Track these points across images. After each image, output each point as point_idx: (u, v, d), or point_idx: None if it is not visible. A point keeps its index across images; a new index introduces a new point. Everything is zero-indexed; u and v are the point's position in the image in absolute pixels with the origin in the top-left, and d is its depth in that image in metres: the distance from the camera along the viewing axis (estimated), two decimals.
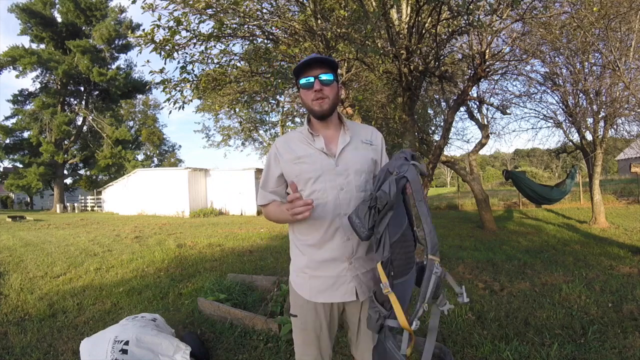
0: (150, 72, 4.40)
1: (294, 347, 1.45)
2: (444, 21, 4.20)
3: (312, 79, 1.27)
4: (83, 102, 26.89)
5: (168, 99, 4.79)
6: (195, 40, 4.19)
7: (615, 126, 8.19)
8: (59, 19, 24.70)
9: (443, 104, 9.94)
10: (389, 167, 1.16)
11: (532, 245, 6.35)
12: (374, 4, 4.15)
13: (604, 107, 7.61)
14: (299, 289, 1.36)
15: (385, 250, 1.10)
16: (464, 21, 4.23)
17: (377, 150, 1.39)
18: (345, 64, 5.39)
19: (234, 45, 4.82)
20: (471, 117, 9.50)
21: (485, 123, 9.37)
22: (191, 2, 3.70)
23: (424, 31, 4.26)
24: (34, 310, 3.57)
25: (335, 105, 1.34)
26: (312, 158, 1.30)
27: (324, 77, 1.27)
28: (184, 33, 4.01)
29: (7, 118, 24.58)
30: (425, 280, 1.04)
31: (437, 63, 4.73)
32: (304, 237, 1.33)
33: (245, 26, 4.19)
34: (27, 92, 25.31)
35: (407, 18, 4.46)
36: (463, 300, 1.04)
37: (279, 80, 4.70)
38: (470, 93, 6.15)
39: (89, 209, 24.80)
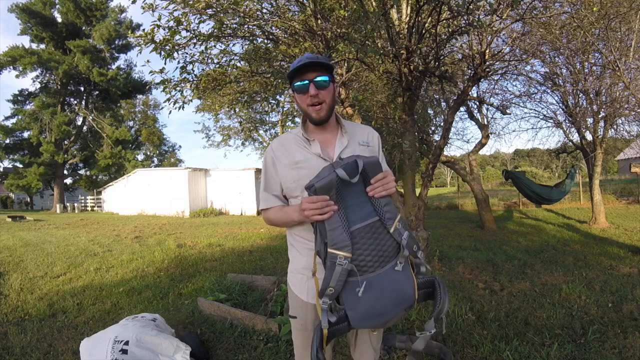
0: (150, 72, 4.39)
1: (294, 349, 1.45)
2: (444, 21, 4.20)
3: (307, 82, 1.23)
4: (83, 102, 26.93)
5: (168, 99, 4.79)
6: (195, 40, 4.19)
7: (615, 126, 8.20)
8: (59, 19, 24.73)
9: (443, 104, 9.93)
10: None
11: (532, 245, 6.36)
12: (374, 4, 4.14)
13: (604, 107, 7.61)
14: (298, 290, 1.35)
15: (316, 244, 1.16)
16: (464, 21, 4.23)
17: (374, 151, 1.37)
18: (345, 64, 5.38)
19: (234, 45, 4.81)
20: (471, 117, 9.51)
21: (485, 123, 9.38)
22: (191, 2, 3.69)
23: (424, 31, 4.26)
24: (34, 310, 3.57)
25: (333, 108, 1.30)
26: (310, 163, 1.27)
27: (319, 79, 1.22)
28: (184, 33, 4.01)
29: (7, 118, 24.69)
30: (328, 269, 1.08)
31: (437, 63, 4.72)
32: (306, 240, 1.31)
33: (245, 26, 4.18)
34: (27, 92, 25.37)
35: (407, 18, 4.46)
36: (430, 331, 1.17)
37: (279, 80, 4.70)
38: (470, 93, 6.14)
39: (89, 209, 24.81)
